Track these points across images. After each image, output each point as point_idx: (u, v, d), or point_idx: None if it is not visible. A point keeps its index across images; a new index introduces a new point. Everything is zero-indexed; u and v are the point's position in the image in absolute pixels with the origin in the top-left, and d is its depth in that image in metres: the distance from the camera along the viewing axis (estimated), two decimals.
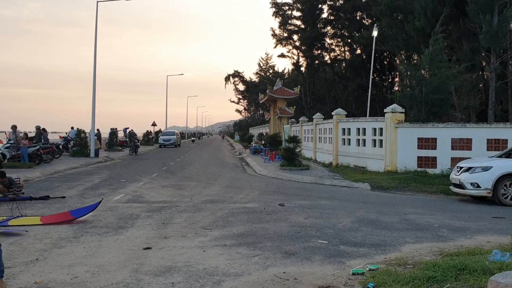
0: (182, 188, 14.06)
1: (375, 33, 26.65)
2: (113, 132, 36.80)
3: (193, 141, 60.10)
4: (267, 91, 40.26)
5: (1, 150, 19.45)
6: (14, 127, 21.25)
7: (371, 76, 28.79)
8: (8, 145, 20.48)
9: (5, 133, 21.77)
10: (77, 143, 27.37)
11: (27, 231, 7.47)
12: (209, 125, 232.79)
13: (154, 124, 56.52)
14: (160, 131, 56.30)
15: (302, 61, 53.66)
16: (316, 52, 50.21)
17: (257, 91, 63.94)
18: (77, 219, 8.62)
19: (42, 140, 23.48)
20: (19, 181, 11.80)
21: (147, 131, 53.82)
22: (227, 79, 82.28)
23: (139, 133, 50.42)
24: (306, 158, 25.71)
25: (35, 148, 20.56)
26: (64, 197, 11.62)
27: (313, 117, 26.76)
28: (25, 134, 23.30)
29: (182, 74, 65.48)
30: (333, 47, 51.24)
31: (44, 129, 25.07)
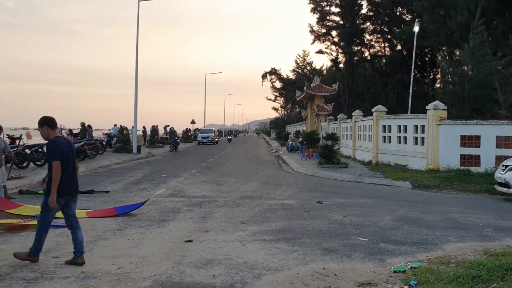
0: (221, 184, 14.23)
1: (416, 29, 26.02)
2: (154, 130, 37.64)
3: (229, 140, 60.30)
4: (305, 88, 40.01)
5: None
6: None
7: (412, 73, 28.13)
8: None
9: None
10: (120, 140, 28.14)
11: None
12: (245, 123, 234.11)
13: (193, 122, 57.35)
14: (198, 129, 57.09)
15: (340, 57, 52.95)
16: (355, 48, 49.45)
17: (294, 88, 63.69)
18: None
19: (87, 136, 24.28)
20: None
21: (186, 128, 54.68)
22: (264, 76, 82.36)
23: (179, 130, 51.27)
24: (345, 156, 25.46)
25: (79, 144, 21.27)
26: (108, 191, 12.00)
27: (352, 114, 26.42)
28: (70, 130, 24.14)
29: (220, 72, 65.77)
30: (372, 43, 50.37)
31: (89, 126, 25.94)
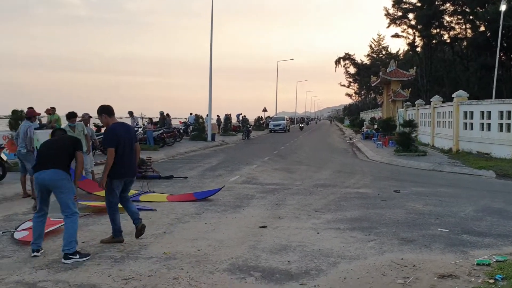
0: (293, 172, 14.26)
1: (503, 7, 24.21)
2: (228, 118, 38.45)
3: (301, 128, 59.61)
4: (380, 73, 38.76)
5: None
6: (130, 113, 23.29)
7: (497, 55, 26.27)
8: (136, 129, 22.48)
9: (133, 119, 23.92)
10: (196, 128, 29.05)
11: (156, 209, 8.14)
12: (317, 110, 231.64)
13: (264, 110, 57.70)
14: (270, 117, 57.40)
15: (418, 41, 50.59)
16: (433, 31, 46.95)
17: (369, 73, 61.91)
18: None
19: (165, 124, 25.31)
20: (150, 160, 12.85)
21: (258, 116, 55.16)
22: (337, 62, 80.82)
23: (251, 118, 51.89)
24: (423, 144, 24.49)
25: (159, 132, 22.27)
26: (186, 177, 12.47)
27: (431, 100, 25.30)
28: (150, 119, 25.26)
29: (292, 59, 65.22)
30: (452, 25, 47.54)
31: (167, 115, 27.01)
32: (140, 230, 6.14)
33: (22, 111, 13.55)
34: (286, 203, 8.97)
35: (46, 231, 5.96)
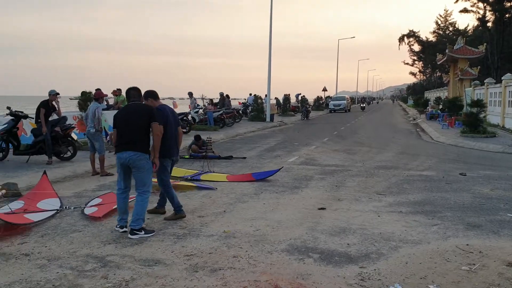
0: (353, 153, 14.01)
1: None
2: (286, 98, 38.27)
3: (362, 108, 57.54)
4: (447, 50, 36.98)
5: (191, 115, 21.87)
6: (190, 94, 23.69)
7: None
8: (197, 110, 22.95)
9: (193, 100, 24.36)
10: (255, 109, 29.19)
11: (216, 188, 8.32)
12: (379, 89, 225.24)
13: (324, 90, 56.84)
14: (330, 96, 56.45)
15: (489, 15, 47.56)
16: (507, 4, 43.94)
17: (435, 51, 59.20)
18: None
19: (225, 105, 25.63)
20: (211, 141, 13.09)
21: (318, 96, 54.40)
22: (401, 39, 77.85)
23: (310, 98, 51.31)
24: (492, 125, 23.18)
25: (219, 113, 22.61)
26: (245, 157, 12.62)
27: (502, 78, 23.80)
28: (211, 100, 25.67)
29: (354, 37, 63.52)
30: None
31: (227, 95, 27.33)
32: (157, 212, 6.56)
33: (90, 92, 14.18)
34: (346, 185, 8.85)
35: (113, 208, 6.28)
